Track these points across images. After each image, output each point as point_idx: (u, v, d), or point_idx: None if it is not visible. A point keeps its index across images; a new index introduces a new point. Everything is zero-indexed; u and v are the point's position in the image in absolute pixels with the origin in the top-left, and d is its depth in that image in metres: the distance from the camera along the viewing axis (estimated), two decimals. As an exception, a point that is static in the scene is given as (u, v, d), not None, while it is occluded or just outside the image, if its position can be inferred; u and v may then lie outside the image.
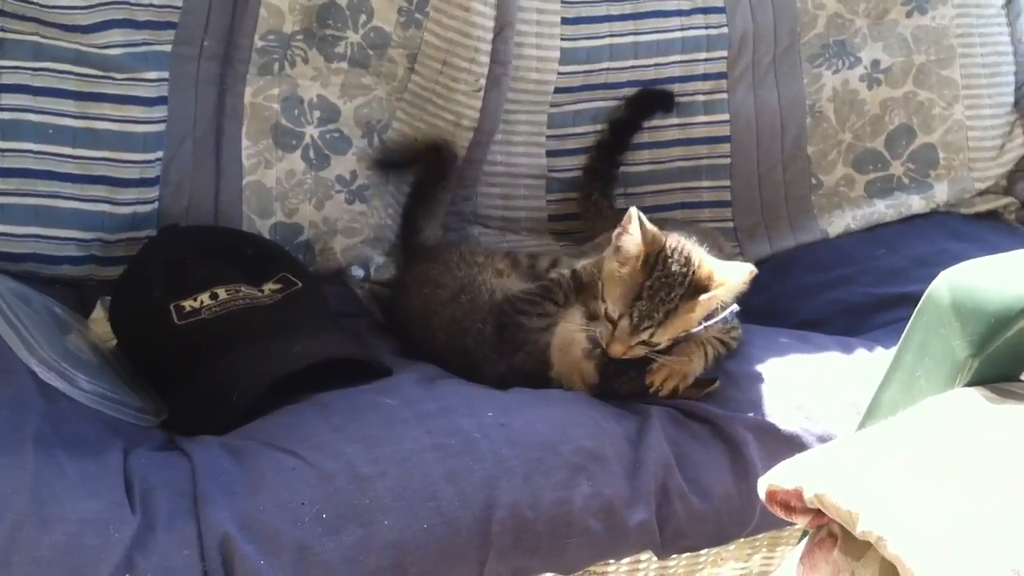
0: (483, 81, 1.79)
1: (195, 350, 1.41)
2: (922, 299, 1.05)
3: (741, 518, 1.31)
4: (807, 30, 1.93)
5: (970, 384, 1.00)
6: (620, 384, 1.41)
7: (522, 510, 1.21)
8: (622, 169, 1.90)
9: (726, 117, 1.91)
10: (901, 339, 1.08)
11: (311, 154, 1.78)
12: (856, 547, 0.90)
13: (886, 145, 1.95)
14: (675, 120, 1.91)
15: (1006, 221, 1.98)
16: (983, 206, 1.98)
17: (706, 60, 1.90)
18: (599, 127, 1.90)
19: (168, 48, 1.69)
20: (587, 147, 1.90)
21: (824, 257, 1.87)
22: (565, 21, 1.85)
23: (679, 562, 1.37)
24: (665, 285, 1.35)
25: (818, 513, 0.92)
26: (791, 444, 1.33)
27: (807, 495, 0.91)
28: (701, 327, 1.39)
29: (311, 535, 1.13)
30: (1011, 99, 1.97)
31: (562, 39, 1.85)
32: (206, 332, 1.42)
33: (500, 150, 1.88)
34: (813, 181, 1.94)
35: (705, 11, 1.90)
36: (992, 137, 1.96)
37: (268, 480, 1.18)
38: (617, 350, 1.36)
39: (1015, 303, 0.97)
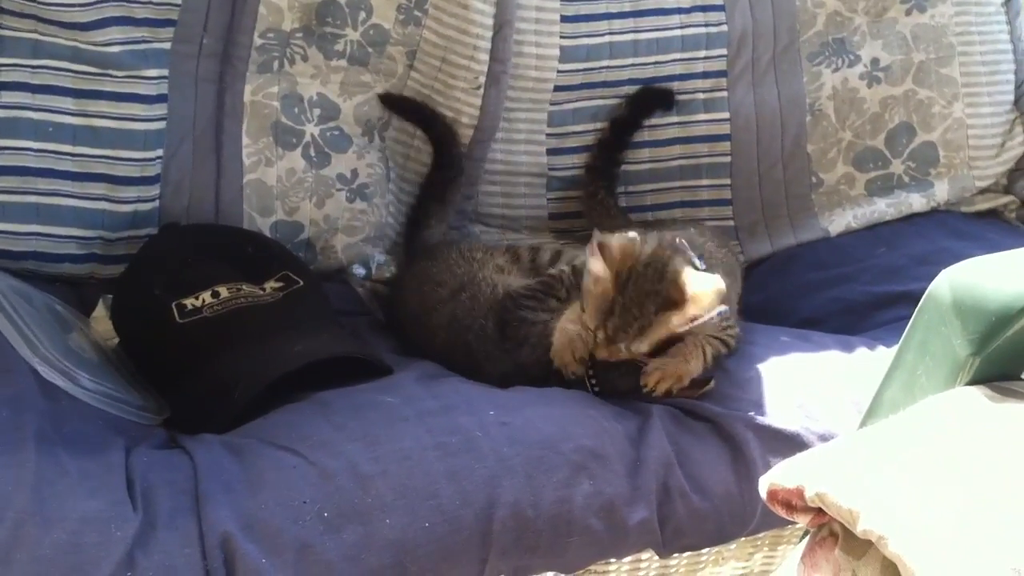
0: (482, 79, 1.80)
1: (196, 348, 1.41)
2: (923, 298, 1.05)
3: (742, 517, 1.32)
4: (806, 28, 1.93)
5: (971, 383, 1.00)
6: (616, 376, 1.41)
7: (523, 509, 1.21)
8: (622, 168, 1.90)
9: (726, 115, 1.91)
10: (902, 338, 1.08)
11: (311, 152, 1.78)
12: (857, 546, 0.90)
13: (886, 143, 1.95)
14: (675, 118, 1.91)
15: (1006, 220, 1.98)
16: (983, 204, 1.98)
17: (706, 58, 1.90)
18: (599, 125, 1.89)
19: (167, 46, 1.69)
20: (587, 145, 1.89)
21: (824, 255, 1.87)
22: (564, 19, 1.85)
23: (680, 561, 1.37)
24: (637, 303, 1.34)
25: (819, 512, 0.92)
26: (792, 443, 1.32)
27: (808, 494, 0.91)
28: (689, 326, 1.38)
29: (312, 534, 1.13)
30: (1011, 97, 1.97)
31: (561, 37, 1.85)
32: (208, 330, 1.41)
33: (500, 148, 1.88)
34: (813, 179, 1.94)
35: (704, 9, 1.89)
36: (992, 135, 1.95)
37: (269, 479, 1.18)
38: (602, 355, 1.37)
39: (1016, 302, 0.97)
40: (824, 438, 1.34)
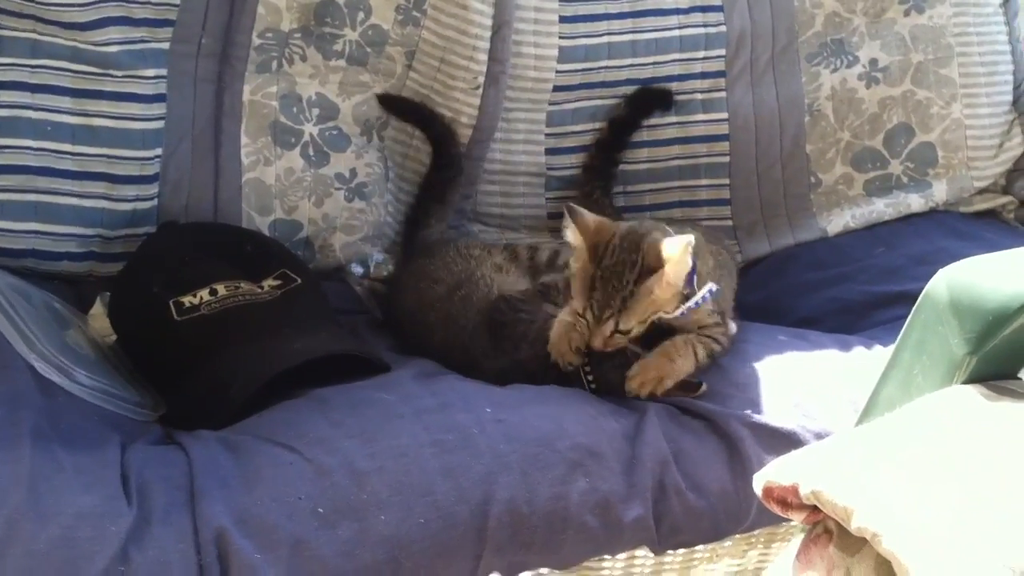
0: (481, 79, 1.80)
1: (194, 346, 1.41)
2: (920, 297, 1.05)
3: (737, 514, 1.32)
4: (805, 29, 1.93)
5: (967, 382, 1.00)
6: (610, 369, 1.41)
7: (518, 505, 1.21)
8: (621, 167, 1.90)
9: (724, 115, 1.91)
10: (899, 337, 1.08)
11: (310, 151, 1.78)
12: (852, 543, 0.90)
13: (885, 144, 1.94)
14: (673, 118, 1.91)
15: (1004, 220, 1.98)
16: (982, 205, 1.98)
17: (704, 58, 1.90)
18: (598, 125, 1.89)
19: (166, 46, 1.69)
20: (586, 145, 1.90)
21: (823, 255, 1.87)
22: (563, 19, 1.85)
23: (675, 558, 1.37)
24: (616, 273, 1.35)
25: (814, 509, 0.93)
26: (788, 441, 1.32)
27: (803, 491, 0.91)
28: (684, 309, 1.39)
29: (307, 529, 1.13)
30: (1009, 98, 1.97)
31: (560, 37, 1.85)
32: (205, 328, 1.42)
33: (499, 148, 1.88)
34: (812, 180, 1.94)
35: (703, 9, 1.89)
36: (990, 136, 1.95)
37: (265, 475, 1.18)
38: (596, 343, 1.37)
39: (1013, 301, 0.97)
40: (820, 436, 1.33)
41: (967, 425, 0.95)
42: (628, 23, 1.87)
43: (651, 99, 1.89)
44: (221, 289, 1.46)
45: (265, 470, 1.19)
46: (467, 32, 1.77)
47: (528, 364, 1.44)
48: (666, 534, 1.29)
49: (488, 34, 1.78)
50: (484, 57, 1.79)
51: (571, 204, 1.40)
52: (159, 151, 1.69)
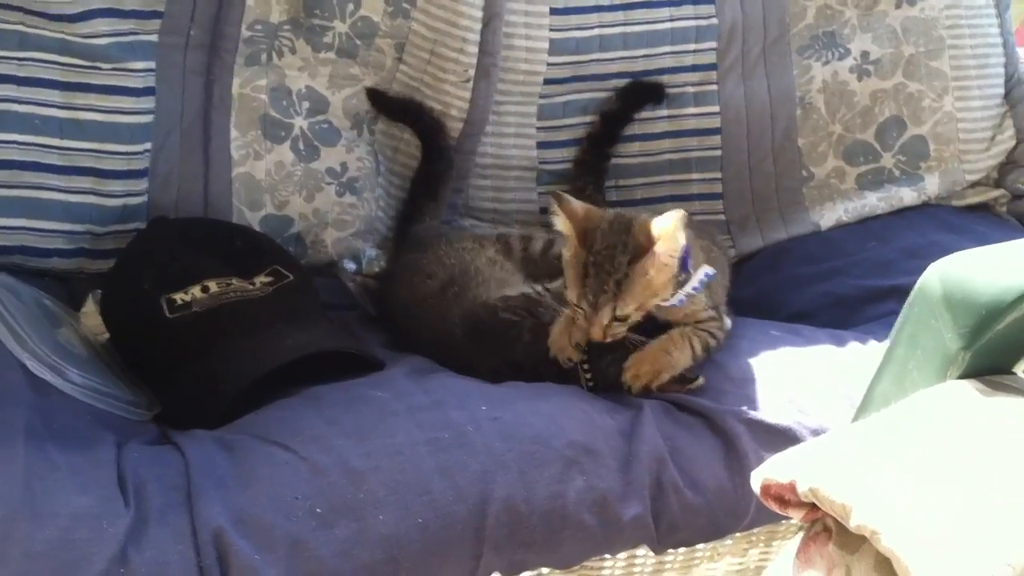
0: (471, 72, 1.79)
1: (186, 343, 1.40)
2: (913, 291, 1.05)
3: (735, 511, 1.32)
4: (796, 21, 1.92)
5: (962, 376, 1.01)
6: (608, 364, 1.41)
7: (516, 504, 1.21)
8: (612, 161, 1.89)
9: (716, 109, 1.91)
10: (893, 332, 1.09)
11: (300, 145, 1.77)
12: (851, 541, 0.90)
13: (876, 137, 1.95)
14: (665, 112, 1.91)
15: (997, 213, 1.98)
16: (974, 198, 1.98)
17: (695, 51, 1.90)
18: (589, 118, 1.89)
19: (155, 38, 1.68)
20: (577, 138, 1.89)
21: (815, 249, 1.87)
22: (554, 11, 1.85)
23: (676, 557, 1.37)
24: (607, 257, 1.34)
25: (812, 507, 0.93)
26: (784, 437, 1.33)
27: (801, 489, 0.92)
28: (681, 296, 1.38)
29: (305, 529, 1.13)
30: (1001, 91, 1.97)
31: (551, 30, 1.84)
32: (197, 325, 1.41)
33: (490, 142, 1.87)
34: (804, 173, 1.94)
35: (694, 2, 1.89)
36: (982, 129, 1.95)
37: (261, 474, 1.18)
38: (596, 334, 1.36)
39: (1006, 295, 0.97)
40: (816, 432, 1.34)
41: (963, 421, 0.95)
42: (619, 15, 1.87)
43: (642, 92, 1.89)
44: (213, 286, 1.45)
45: (261, 469, 1.18)
46: (457, 24, 1.77)
47: (524, 363, 1.43)
48: (665, 532, 1.29)
49: (478, 26, 1.78)
50: (474, 49, 1.78)
51: (557, 191, 1.39)
52: (148, 145, 1.67)
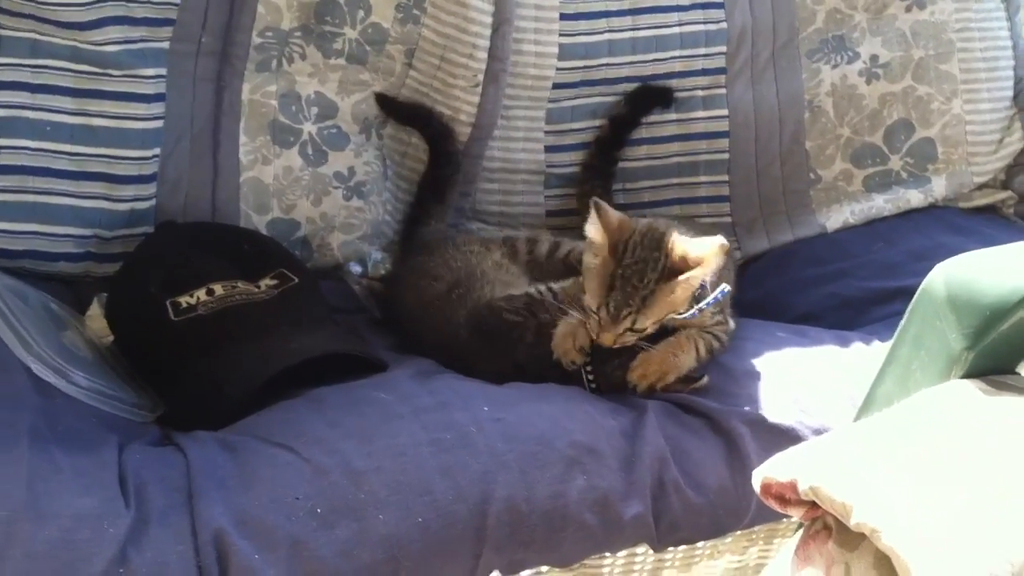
0: (481, 77, 1.80)
1: (191, 346, 1.41)
2: (918, 292, 1.05)
3: (736, 511, 1.32)
4: (806, 25, 1.92)
5: (965, 377, 1.00)
6: (613, 369, 1.41)
7: (517, 504, 1.21)
8: (620, 165, 1.90)
9: (725, 112, 1.91)
10: (897, 332, 1.08)
11: (309, 150, 1.78)
12: (851, 539, 0.89)
13: (884, 140, 1.94)
14: (673, 116, 1.91)
15: (1004, 215, 1.98)
16: (981, 200, 1.98)
17: (705, 55, 1.90)
18: (598, 123, 1.89)
19: (166, 45, 1.69)
20: (585, 143, 1.90)
21: (821, 251, 1.86)
22: (564, 17, 1.85)
23: (675, 555, 1.36)
24: (637, 272, 1.34)
25: (813, 505, 0.92)
26: (787, 437, 1.33)
27: (802, 487, 0.91)
28: (695, 311, 1.38)
29: (305, 530, 1.13)
30: (1010, 93, 1.96)
31: (560, 35, 1.85)
32: (202, 328, 1.41)
33: (498, 146, 1.88)
34: (811, 176, 1.94)
35: (704, 6, 1.89)
36: (991, 131, 1.95)
37: (262, 475, 1.18)
38: (607, 340, 1.36)
39: (1010, 295, 0.97)
40: (819, 433, 1.33)
41: (965, 420, 0.94)
42: (628, 20, 1.87)
43: (651, 96, 1.89)
44: (218, 289, 1.46)
45: (263, 470, 1.18)
46: (467, 30, 1.77)
47: (527, 365, 1.43)
48: (665, 531, 1.29)
49: (488, 32, 1.78)
50: (484, 55, 1.79)
51: (598, 200, 1.38)
52: (158, 151, 1.68)
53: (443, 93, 1.81)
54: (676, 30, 1.89)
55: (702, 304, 1.38)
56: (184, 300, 1.43)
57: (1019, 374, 1.01)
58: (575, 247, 1.61)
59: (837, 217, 1.92)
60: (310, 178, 1.77)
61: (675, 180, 1.92)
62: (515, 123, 1.88)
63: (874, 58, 1.93)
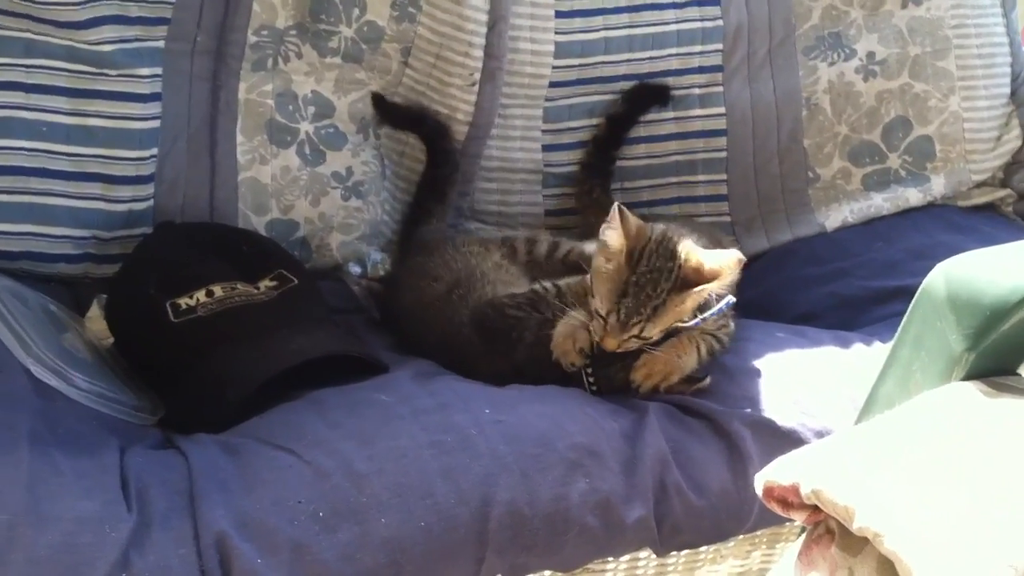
0: (477, 75, 1.79)
1: (191, 348, 1.41)
2: (918, 292, 1.05)
3: (739, 514, 1.31)
4: (802, 22, 1.92)
5: (966, 378, 1.00)
6: (614, 373, 1.41)
7: (519, 507, 1.21)
8: (618, 164, 1.90)
9: (722, 110, 1.91)
10: (897, 333, 1.08)
11: (306, 150, 1.77)
12: (854, 543, 0.89)
13: (882, 137, 1.94)
14: (671, 114, 1.91)
15: (1003, 213, 1.98)
16: (980, 198, 1.98)
17: (701, 53, 1.90)
18: (595, 121, 1.89)
19: (161, 44, 1.68)
20: (583, 141, 1.89)
21: (820, 250, 1.86)
22: (559, 14, 1.85)
23: (678, 559, 1.37)
24: (651, 281, 1.34)
25: (815, 509, 0.92)
26: (788, 439, 1.32)
27: (804, 491, 0.91)
28: (698, 320, 1.38)
29: (307, 533, 1.13)
30: (1007, 90, 1.96)
31: (556, 33, 1.84)
32: (202, 329, 1.41)
33: (496, 145, 1.87)
34: (810, 174, 1.94)
35: (700, 4, 1.89)
36: (989, 129, 1.95)
37: (264, 478, 1.18)
38: (610, 344, 1.36)
39: (1011, 295, 0.97)
40: (820, 434, 1.33)
41: (967, 423, 0.94)
42: (624, 18, 1.87)
43: (648, 95, 1.89)
44: (218, 290, 1.45)
45: (264, 473, 1.18)
46: (463, 28, 1.77)
47: (526, 367, 1.43)
48: (668, 534, 1.29)
49: (484, 30, 1.78)
50: (480, 53, 1.78)
51: (622, 205, 1.37)
52: (155, 151, 1.68)
53: (440, 92, 1.81)
54: (672, 27, 1.88)
55: (706, 314, 1.38)
56: (184, 302, 1.43)
57: (1020, 375, 1.01)
58: (574, 247, 1.61)
59: (836, 216, 1.92)
60: (308, 178, 1.77)
61: (673, 179, 1.92)
62: (512, 122, 1.87)
63: (871, 55, 1.93)
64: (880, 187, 1.94)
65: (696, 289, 1.34)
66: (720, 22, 1.89)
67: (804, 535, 0.99)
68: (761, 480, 0.96)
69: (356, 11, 1.77)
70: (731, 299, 1.42)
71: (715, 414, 1.35)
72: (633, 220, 1.37)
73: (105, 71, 1.64)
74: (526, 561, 1.23)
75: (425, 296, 1.58)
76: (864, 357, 1.47)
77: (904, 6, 1.93)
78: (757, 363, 1.45)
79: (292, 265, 1.58)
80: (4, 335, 1.33)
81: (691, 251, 1.36)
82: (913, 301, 1.06)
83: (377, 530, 1.15)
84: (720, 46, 1.90)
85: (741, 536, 1.37)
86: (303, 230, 1.77)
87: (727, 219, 1.93)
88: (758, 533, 1.38)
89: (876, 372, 1.11)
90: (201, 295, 1.45)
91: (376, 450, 1.22)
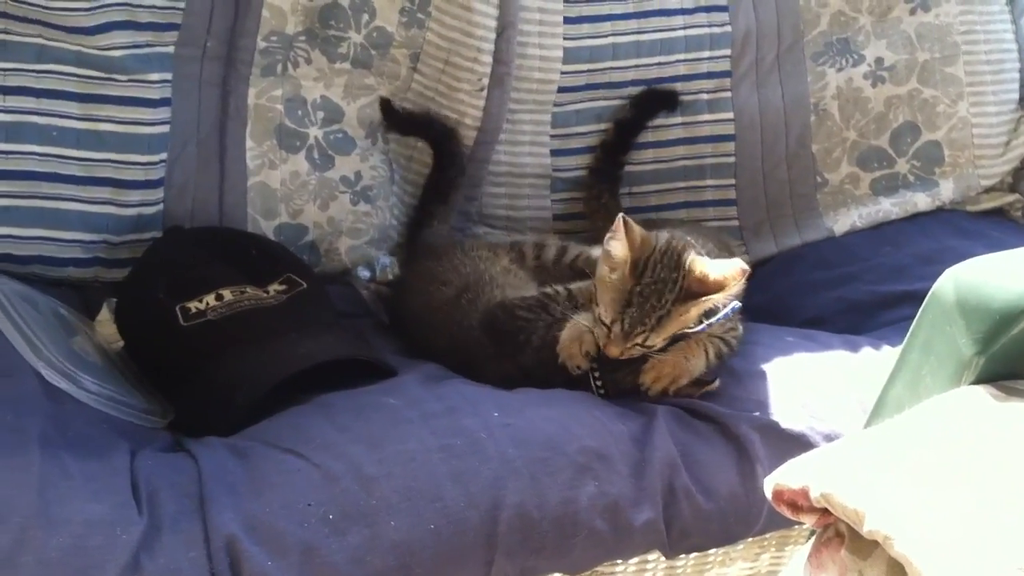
0: (486, 81, 1.80)
1: (200, 351, 1.41)
2: (927, 297, 1.05)
3: (747, 517, 1.31)
4: (810, 28, 1.92)
5: (976, 382, 1.00)
6: (622, 377, 1.41)
7: (528, 510, 1.20)
8: (626, 169, 1.90)
9: (730, 115, 1.91)
10: (906, 337, 1.08)
11: (315, 155, 1.78)
12: (863, 546, 0.90)
13: (891, 143, 1.94)
14: (679, 119, 1.91)
15: (1012, 218, 1.97)
16: (989, 203, 1.97)
17: (710, 58, 1.90)
18: (603, 126, 1.89)
19: (171, 49, 1.69)
20: (591, 146, 1.90)
21: (829, 255, 1.86)
22: (568, 20, 1.85)
23: (687, 562, 1.36)
24: (655, 291, 1.34)
25: (825, 512, 0.92)
26: (797, 443, 1.32)
27: (813, 494, 0.91)
28: (704, 326, 1.38)
29: (317, 536, 1.13)
30: (1016, 96, 1.96)
31: (565, 38, 1.85)
32: (212, 333, 1.41)
33: (504, 150, 1.88)
34: (818, 179, 1.94)
35: (708, 9, 1.89)
36: (997, 134, 1.95)
37: (273, 481, 1.18)
38: (614, 352, 1.36)
39: (1020, 300, 0.97)
40: (829, 438, 1.33)
41: (977, 426, 0.94)
42: (633, 24, 1.87)
43: (656, 100, 1.89)
44: (227, 294, 1.46)
45: (273, 476, 1.19)
46: (471, 34, 1.77)
47: (534, 370, 1.43)
48: (676, 538, 1.29)
49: (492, 36, 1.79)
50: (488, 59, 1.79)
51: (625, 216, 1.36)
52: (164, 155, 1.69)
53: (448, 97, 1.81)
54: (681, 33, 1.89)
55: (712, 320, 1.38)
56: (193, 305, 1.44)
57: (1031, 379, 1.01)
58: (582, 252, 1.62)
59: (844, 220, 1.92)
60: (317, 183, 1.77)
61: (681, 184, 1.92)
62: (520, 127, 1.88)
63: (879, 61, 1.93)
64: (889, 192, 1.94)
65: (700, 300, 1.34)
66: (728, 28, 1.89)
67: (814, 538, 0.99)
68: (771, 483, 0.96)
69: (365, 17, 1.77)
70: (737, 304, 1.42)
71: (724, 417, 1.35)
72: (637, 231, 1.37)
73: (115, 76, 1.65)
74: (535, 564, 1.23)
75: (434, 300, 1.58)
76: (873, 361, 1.47)
77: (913, 12, 1.93)
78: (766, 366, 1.45)
79: (301, 269, 1.58)
80: (14, 338, 1.33)
81: (696, 261, 1.36)
82: (923, 306, 1.06)
83: (387, 533, 1.15)
84: (728, 51, 1.90)
85: (750, 539, 1.37)
86: (312, 234, 1.77)
87: (735, 224, 1.93)
88: (767, 536, 1.38)
89: (885, 376, 1.11)
90: (211, 299, 1.45)
91: (385, 453, 1.22)
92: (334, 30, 1.77)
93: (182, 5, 1.68)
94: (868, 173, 1.94)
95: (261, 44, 1.74)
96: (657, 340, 1.36)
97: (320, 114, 1.78)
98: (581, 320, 1.41)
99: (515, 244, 1.69)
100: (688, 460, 1.31)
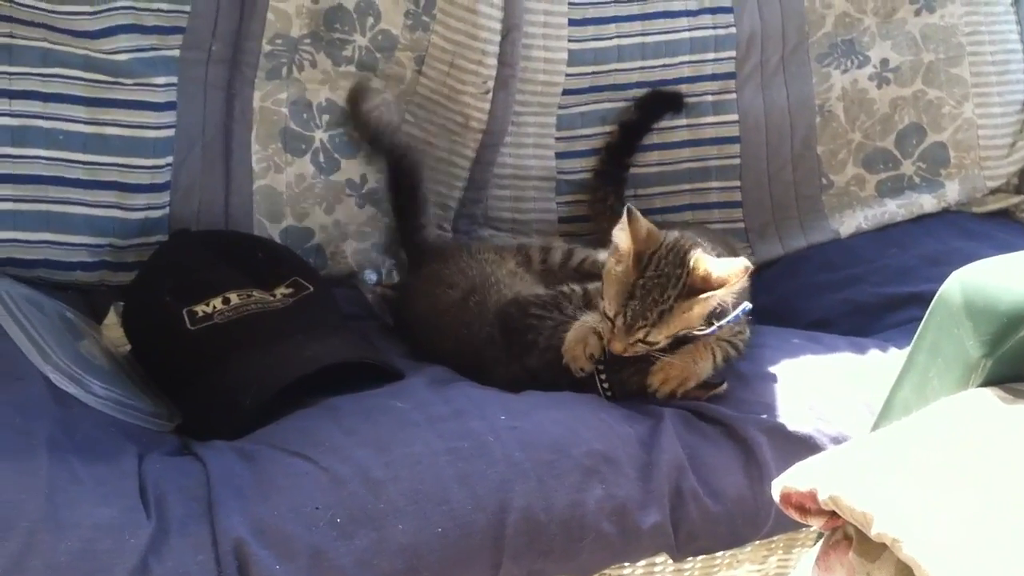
0: (491, 83, 1.80)
1: (207, 355, 1.41)
2: (934, 299, 1.05)
3: (755, 520, 1.31)
4: (815, 29, 1.92)
5: (983, 384, 1.00)
6: (628, 377, 1.41)
7: (535, 513, 1.21)
8: (631, 171, 1.90)
9: (735, 117, 1.91)
10: (914, 339, 1.08)
11: (320, 158, 1.78)
12: (871, 549, 0.90)
13: (896, 144, 1.94)
14: (684, 121, 1.91)
15: (1017, 219, 1.97)
16: (994, 204, 1.97)
17: (714, 60, 1.90)
18: (608, 128, 1.89)
19: (176, 53, 1.69)
20: (596, 148, 1.90)
21: (834, 257, 1.86)
22: (572, 23, 1.85)
23: (695, 564, 1.36)
24: (658, 285, 1.34)
25: (833, 515, 0.92)
26: (804, 445, 1.32)
27: (821, 497, 0.91)
28: (714, 328, 1.38)
29: (325, 539, 1.13)
30: (1021, 97, 1.96)
31: (569, 41, 1.85)
32: (219, 337, 1.42)
33: (509, 152, 1.88)
34: (823, 181, 1.94)
35: (712, 11, 1.89)
36: (1003, 135, 1.95)
37: (281, 484, 1.18)
38: (616, 348, 1.36)
39: (1027, 302, 0.97)
40: (836, 440, 1.33)
41: (985, 429, 0.94)
42: (637, 26, 1.87)
43: (661, 102, 1.89)
44: (234, 298, 1.46)
45: (281, 479, 1.19)
46: (476, 36, 1.77)
47: (540, 372, 1.43)
48: (684, 540, 1.29)
49: (497, 38, 1.79)
50: (493, 61, 1.79)
51: (632, 207, 1.37)
52: (170, 159, 1.69)
53: (453, 100, 1.81)
54: (686, 35, 1.89)
55: (722, 322, 1.38)
56: (200, 309, 1.44)
57: (1038, 382, 1.01)
58: (588, 255, 1.62)
59: (850, 222, 1.92)
60: (322, 186, 1.78)
61: (687, 186, 1.92)
62: (526, 129, 1.88)
63: (884, 62, 1.93)
64: (894, 193, 1.94)
65: (702, 296, 1.34)
66: (733, 29, 1.89)
67: (821, 541, 0.99)
68: (778, 486, 0.96)
69: (370, 20, 1.77)
70: (748, 305, 1.42)
71: (731, 420, 1.35)
72: (643, 223, 1.37)
73: (121, 80, 1.65)
74: (542, 567, 1.23)
75: (440, 303, 1.58)
76: (880, 363, 1.47)
77: (917, 13, 1.93)
78: (773, 369, 1.45)
79: (307, 272, 1.58)
80: (22, 343, 1.33)
81: (701, 259, 1.36)
82: (930, 308, 1.06)
83: (394, 536, 1.15)
84: (733, 53, 1.90)
85: (758, 541, 1.37)
86: (318, 237, 1.78)
87: (740, 226, 1.93)
88: (775, 538, 1.38)
89: (892, 378, 1.11)
90: (217, 302, 1.45)
91: (392, 457, 1.22)
92: (339, 33, 1.77)
93: (187, 8, 1.68)
94: (873, 175, 1.94)
95: (266, 47, 1.74)
96: (659, 337, 1.36)
97: (325, 117, 1.79)
98: (588, 319, 1.41)
99: (521, 247, 1.69)
100: (695, 462, 1.31)
